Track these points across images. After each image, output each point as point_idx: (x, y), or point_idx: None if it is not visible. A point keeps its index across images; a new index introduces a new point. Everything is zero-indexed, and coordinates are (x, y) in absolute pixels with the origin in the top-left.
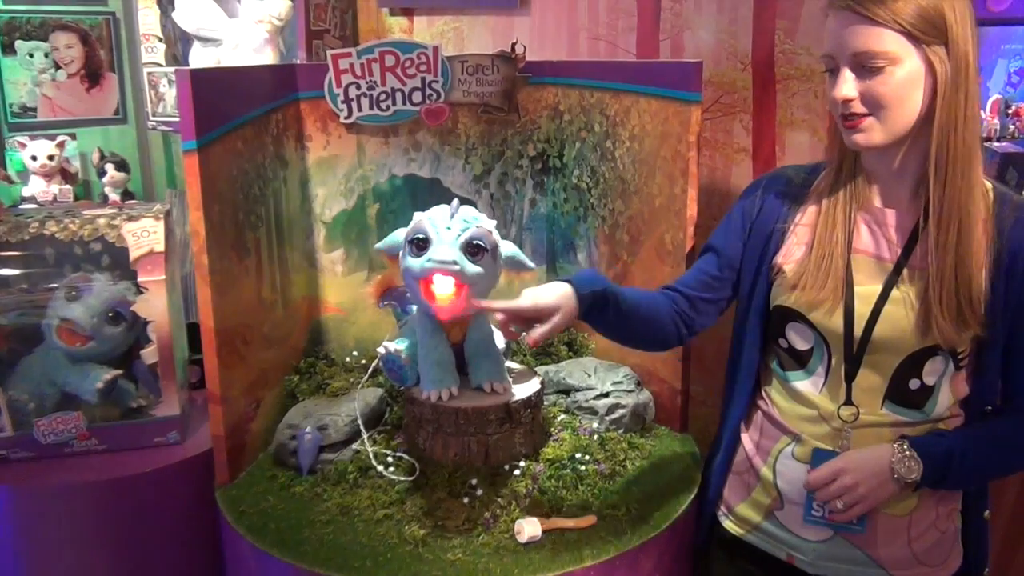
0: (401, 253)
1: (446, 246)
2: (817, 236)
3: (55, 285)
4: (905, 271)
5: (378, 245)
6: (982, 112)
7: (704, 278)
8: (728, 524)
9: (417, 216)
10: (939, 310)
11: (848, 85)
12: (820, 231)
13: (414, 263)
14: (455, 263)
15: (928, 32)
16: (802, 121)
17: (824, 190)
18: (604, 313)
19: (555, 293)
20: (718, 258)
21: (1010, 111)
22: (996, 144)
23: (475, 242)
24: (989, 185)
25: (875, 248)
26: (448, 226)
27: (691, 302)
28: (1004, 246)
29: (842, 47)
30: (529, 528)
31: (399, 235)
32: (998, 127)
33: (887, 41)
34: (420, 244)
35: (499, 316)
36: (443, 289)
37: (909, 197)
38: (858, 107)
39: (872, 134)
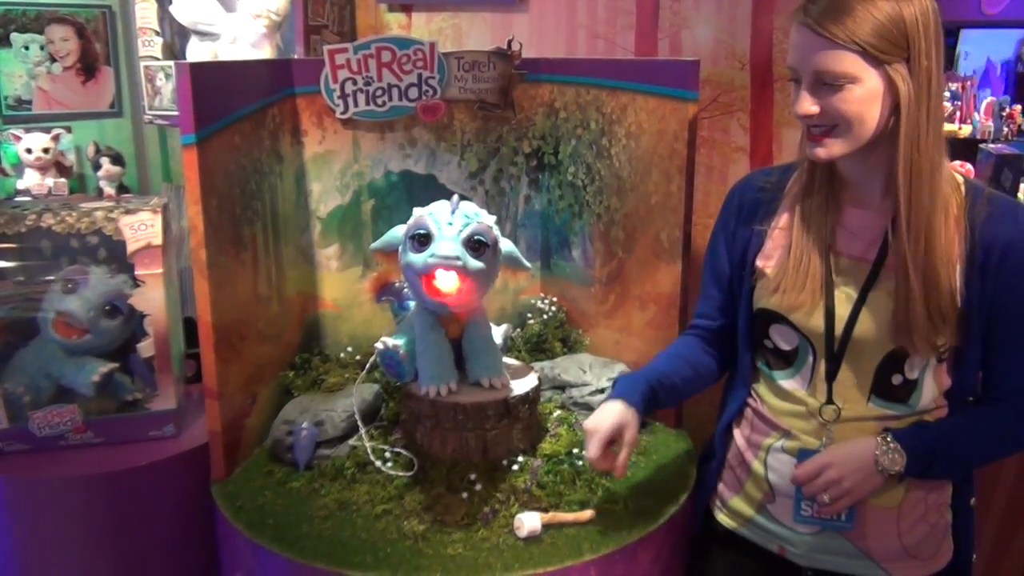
0: (401, 249)
1: (448, 242)
2: (794, 239)
3: (51, 278)
4: (881, 271)
5: (374, 245)
6: (976, 114)
7: (715, 304)
8: (722, 517)
9: (417, 212)
10: (914, 308)
11: (808, 101)
12: (796, 234)
13: (416, 259)
14: (459, 259)
15: (888, 51)
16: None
17: (799, 192)
18: (658, 402)
19: (612, 414)
20: (718, 280)
21: (1004, 114)
22: (991, 146)
23: (477, 238)
24: (960, 179)
25: (852, 248)
26: (450, 222)
27: (717, 332)
28: (977, 240)
29: (804, 63)
30: (529, 522)
31: (397, 232)
32: (992, 129)
33: (846, 62)
34: (422, 240)
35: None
36: (446, 284)
37: (880, 198)
38: (820, 121)
39: (832, 148)
